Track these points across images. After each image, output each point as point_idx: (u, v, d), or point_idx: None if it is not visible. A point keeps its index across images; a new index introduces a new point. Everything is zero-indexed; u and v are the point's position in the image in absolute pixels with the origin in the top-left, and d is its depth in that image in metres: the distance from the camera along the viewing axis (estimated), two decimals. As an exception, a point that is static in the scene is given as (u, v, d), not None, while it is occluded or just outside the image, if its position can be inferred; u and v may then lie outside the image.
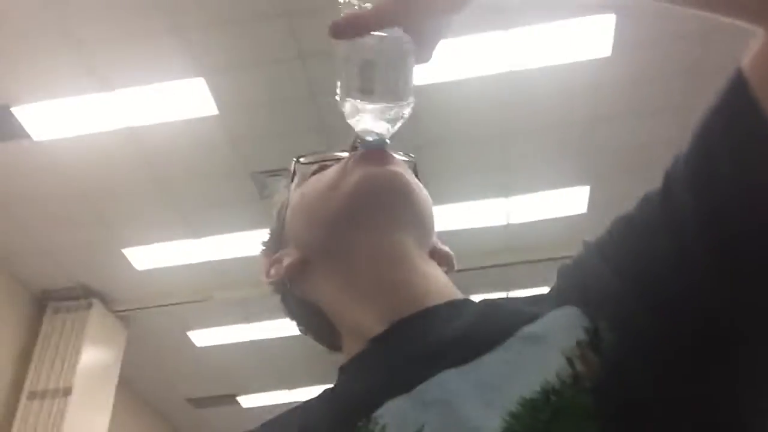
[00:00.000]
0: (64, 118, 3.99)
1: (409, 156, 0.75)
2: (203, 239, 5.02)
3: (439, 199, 5.64)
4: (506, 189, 4.73)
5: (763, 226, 0.47)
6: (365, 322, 0.64)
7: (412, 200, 0.70)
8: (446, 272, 0.73)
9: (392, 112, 0.62)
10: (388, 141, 0.67)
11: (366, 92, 0.59)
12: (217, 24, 3.59)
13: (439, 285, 0.67)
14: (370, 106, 0.61)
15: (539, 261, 4.79)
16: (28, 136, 4.06)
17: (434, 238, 0.75)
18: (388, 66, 0.59)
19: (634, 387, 0.49)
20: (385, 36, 0.58)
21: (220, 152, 4.31)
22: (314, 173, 0.75)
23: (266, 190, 4.56)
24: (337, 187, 0.69)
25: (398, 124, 0.64)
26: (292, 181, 0.78)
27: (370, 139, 0.66)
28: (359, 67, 0.59)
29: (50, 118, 3.98)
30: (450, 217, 4.89)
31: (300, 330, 0.77)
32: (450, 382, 0.53)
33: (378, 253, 0.66)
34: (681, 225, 0.50)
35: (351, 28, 0.56)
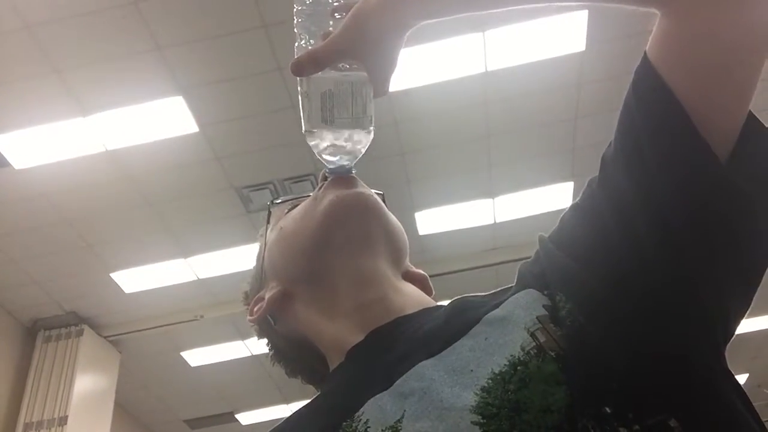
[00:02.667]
0: (44, 144, 3.96)
1: (378, 191, 0.79)
2: (191, 258, 5.00)
3: (425, 203, 5.65)
4: (491, 189, 4.75)
5: (685, 192, 0.52)
6: (345, 335, 0.67)
7: (380, 215, 0.74)
8: (429, 296, 0.76)
9: (355, 139, 0.66)
10: (353, 168, 0.71)
11: (327, 121, 0.64)
12: (192, 41, 3.59)
13: (414, 298, 0.71)
14: (332, 135, 0.65)
15: (528, 258, 4.80)
16: (9, 165, 4.03)
17: (407, 262, 0.78)
18: (346, 95, 0.64)
19: (596, 350, 0.52)
20: (341, 68, 0.64)
21: (203, 169, 4.29)
22: (289, 212, 0.79)
23: (252, 205, 4.55)
24: (310, 213, 0.73)
25: (362, 151, 0.68)
26: (268, 223, 0.82)
27: (336, 167, 0.71)
28: (320, 99, 0.64)
29: (31, 146, 3.95)
30: (437, 220, 4.91)
31: (286, 372, 0.80)
32: (425, 371, 0.56)
33: (354, 272, 0.70)
34: (619, 201, 0.54)
35: (310, 64, 0.62)
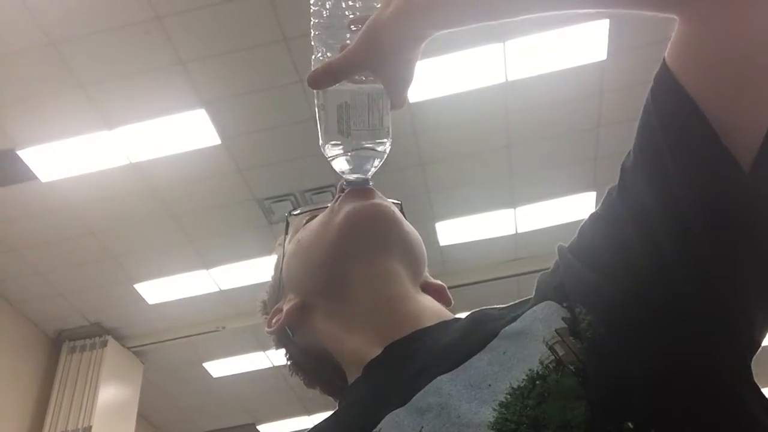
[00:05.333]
0: (70, 157, 4.02)
1: (396, 200, 0.79)
2: (213, 269, 5.03)
3: (445, 214, 5.61)
4: (512, 199, 4.73)
5: (707, 201, 0.50)
6: (363, 349, 0.67)
7: (397, 226, 0.73)
8: (447, 307, 0.75)
9: (372, 151, 0.66)
10: (371, 179, 0.71)
11: (344, 133, 0.63)
12: (214, 55, 3.63)
13: (433, 310, 0.70)
14: (349, 146, 0.65)
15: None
16: (35, 178, 4.10)
17: (426, 273, 0.77)
18: (363, 107, 0.64)
19: (617, 364, 0.50)
20: (357, 80, 0.63)
21: (226, 181, 4.33)
22: (307, 222, 0.79)
23: (273, 216, 4.58)
24: (328, 225, 0.72)
25: (379, 162, 0.67)
26: (286, 234, 0.82)
27: (353, 178, 0.70)
28: (336, 111, 0.63)
29: (56, 159, 4.02)
30: (458, 230, 4.90)
31: (305, 383, 0.79)
32: (443, 386, 0.55)
33: (371, 282, 0.69)
34: (640, 209, 0.53)
35: (326, 77, 0.62)
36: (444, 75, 3.76)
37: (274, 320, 0.77)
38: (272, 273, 0.83)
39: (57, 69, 3.56)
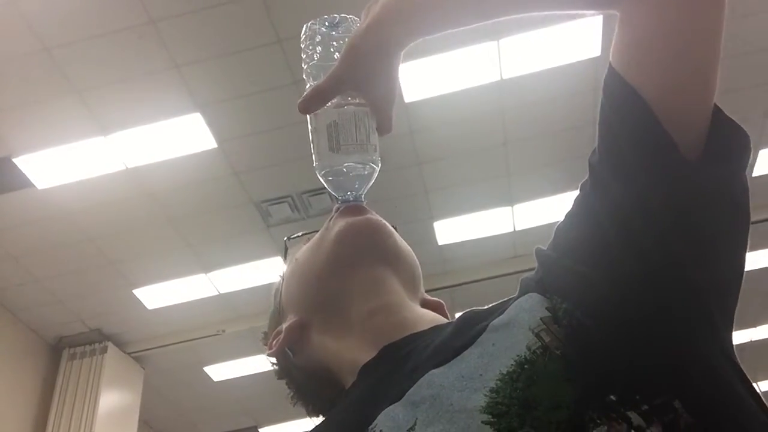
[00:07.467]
0: (66, 164, 4.02)
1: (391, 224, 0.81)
2: (212, 273, 5.03)
3: (443, 213, 5.61)
4: (510, 197, 4.73)
5: (663, 188, 0.53)
6: (358, 354, 0.69)
7: (389, 237, 0.76)
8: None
9: (362, 168, 0.70)
10: (364, 198, 0.74)
11: (334, 149, 0.68)
12: (209, 59, 3.63)
13: (427, 318, 0.72)
14: (340, 164, 0.69)
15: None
16: (32, 186, 4.09)
17: (423, 291, 0.79)
18: (350, 123, 0.67)
19: (599, 347, 0.53)
20: (343, 100, 0.67)
21: (222, 185, 4.33)
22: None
23: (271, 219, 4.58)
24: (323, 241, 0.75)
25: (371, 180, 0.71)
26: (285, 259, 0.84)
27: (346, 196, 0.73)
28: (326, 131, 0.68)
29: (53, 166, 4.02)
30: (456, 229, 4.90)
31: (307, 412, 0.80)
32: (435, 379, 0.57)
33: (367, 291, 0.71)
34: (612, 201, 0.56)
35: (314, 99, 0.65)
36: (439, 74, 3.76)
37: (273, 342, 0.78)
38: (272, 300, 0.84)
39: (52, 75, 3.55)
